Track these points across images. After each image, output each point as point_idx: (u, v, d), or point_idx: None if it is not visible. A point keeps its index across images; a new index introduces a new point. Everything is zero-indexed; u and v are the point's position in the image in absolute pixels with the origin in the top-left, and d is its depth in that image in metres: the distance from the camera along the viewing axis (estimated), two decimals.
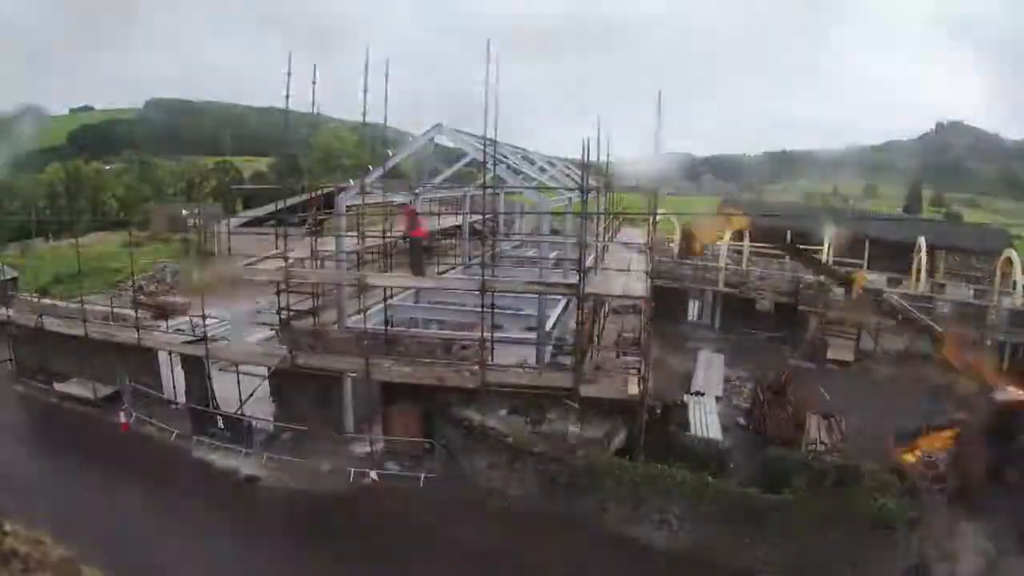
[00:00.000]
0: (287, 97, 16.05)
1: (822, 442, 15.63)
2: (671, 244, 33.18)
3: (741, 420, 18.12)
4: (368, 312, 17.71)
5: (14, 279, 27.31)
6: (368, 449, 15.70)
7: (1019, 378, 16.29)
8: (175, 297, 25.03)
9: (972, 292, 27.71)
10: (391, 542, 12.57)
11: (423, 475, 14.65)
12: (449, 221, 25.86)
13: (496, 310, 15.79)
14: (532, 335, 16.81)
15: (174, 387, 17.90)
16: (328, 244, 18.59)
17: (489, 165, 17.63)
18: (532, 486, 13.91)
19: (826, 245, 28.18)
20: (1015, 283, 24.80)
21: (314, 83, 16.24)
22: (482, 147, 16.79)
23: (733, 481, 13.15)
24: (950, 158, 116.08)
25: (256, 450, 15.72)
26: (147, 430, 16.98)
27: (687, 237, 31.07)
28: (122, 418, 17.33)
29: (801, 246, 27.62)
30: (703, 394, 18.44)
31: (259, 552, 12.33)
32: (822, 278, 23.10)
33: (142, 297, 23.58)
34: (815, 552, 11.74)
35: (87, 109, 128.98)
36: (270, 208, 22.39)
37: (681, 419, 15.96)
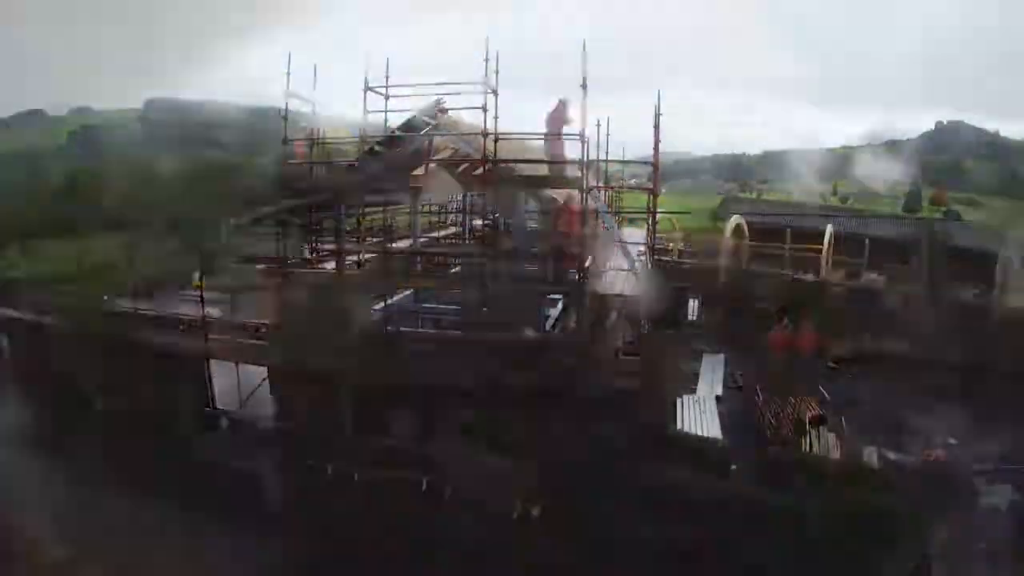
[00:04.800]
0: (287, 97, 16.10)
1: (822, 441, 15.62)
2: (671, 244, 33.16)
3: (741, 419, 18.09)
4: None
5: (14, 279, 27.30)
6: (368, 449, 15.66)
7: None
8: None
9: (972, 292, 27.69)
10: (390, 543, 12.56)
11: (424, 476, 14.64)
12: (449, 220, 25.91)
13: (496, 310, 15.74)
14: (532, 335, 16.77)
15: None
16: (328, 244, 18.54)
17: None
18: (531, 486, 13.89)
19: (825, 244, 28.18)
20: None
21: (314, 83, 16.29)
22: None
23: (733, 481, 13.14)
24: (950, 158, 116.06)
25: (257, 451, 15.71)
26: None
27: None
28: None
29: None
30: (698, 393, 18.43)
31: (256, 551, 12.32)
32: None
33: None
34: (816, 552, 11.73)
35: (87, 109, 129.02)
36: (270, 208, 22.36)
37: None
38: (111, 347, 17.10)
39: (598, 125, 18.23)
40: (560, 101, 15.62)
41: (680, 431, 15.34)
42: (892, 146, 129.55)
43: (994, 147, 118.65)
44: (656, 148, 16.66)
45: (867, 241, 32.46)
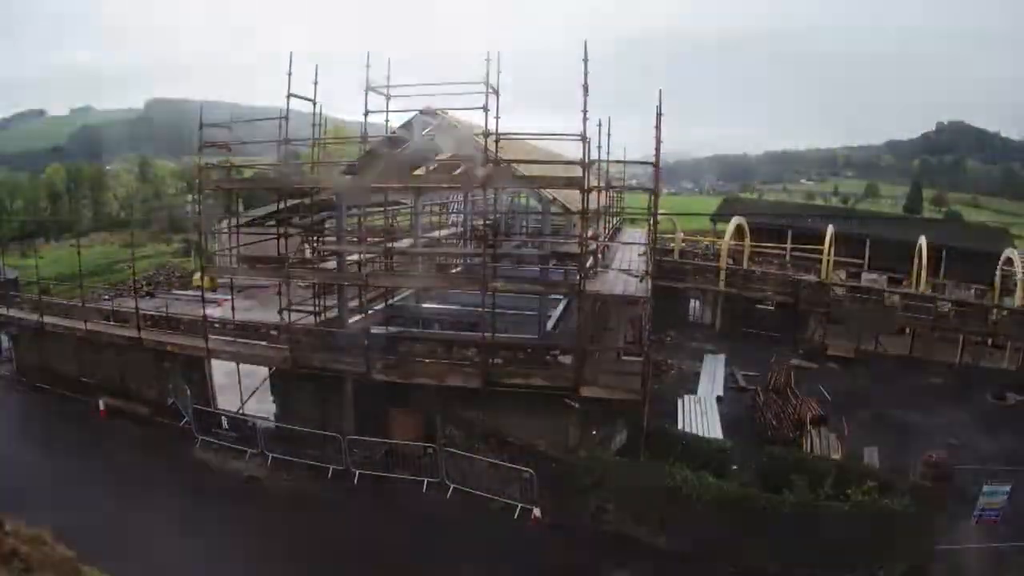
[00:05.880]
0: (288, 97, 16.08)
1: (822, 441, 15.64)
2: (672, 244, 33.19)
3: (742, 420, 18.12)
4: (369, 312, 17.66)
5: (15, 279, 27.31)
6: (370, 449, 15.67)
7: None
8: None
9: (973, 292, 27.71)
10: (390, 543, 12.57)
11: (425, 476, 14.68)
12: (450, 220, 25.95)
13: (497, 310, 15.75)
14: (533, 335, 16.79)
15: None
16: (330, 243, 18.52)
17: None
18: (533, 486, 13.89)
19: (826, 244, 28.20)
20: (1016, 282, 24.81)
21: (315, 83, 16.27)
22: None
23: (734, 480, 13.11)
24: (950, 158, 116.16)
25: (258, 450, 15.75)
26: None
27: None
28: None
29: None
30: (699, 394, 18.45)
31: (258, 552, 12.33)
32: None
33: None
34: (816, 552, 11.71)
35: (87, 109, 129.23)
36: (271, 208, 22.36)
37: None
38: None
39: (599, 125, 18.19)
40: None
41: None
42: (893, 147, 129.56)
43: (994, 147, 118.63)
44: (657, 148, 16.59)
45: (867, 242, 32.56)
